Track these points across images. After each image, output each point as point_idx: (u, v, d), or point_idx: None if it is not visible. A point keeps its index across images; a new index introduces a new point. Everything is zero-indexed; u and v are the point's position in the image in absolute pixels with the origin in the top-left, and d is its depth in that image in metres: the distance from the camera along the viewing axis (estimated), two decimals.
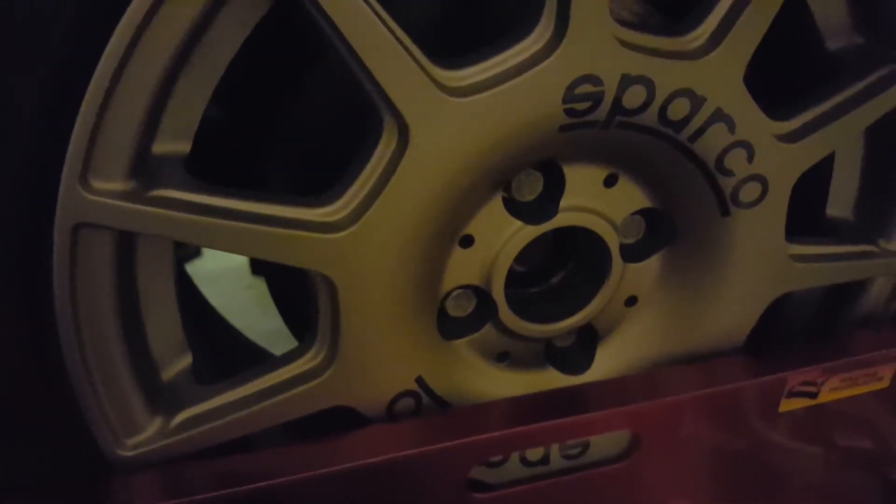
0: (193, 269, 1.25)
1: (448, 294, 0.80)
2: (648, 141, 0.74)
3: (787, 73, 0.86)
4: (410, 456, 0.74)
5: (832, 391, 0.87)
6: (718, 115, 0.74)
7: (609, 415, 0.80)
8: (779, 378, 0.84)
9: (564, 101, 0.69)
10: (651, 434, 0.83)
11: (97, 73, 0.60)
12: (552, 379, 0.87)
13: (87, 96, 0.60)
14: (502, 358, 0.86)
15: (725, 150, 0.76)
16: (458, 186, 0.71)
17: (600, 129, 0.72)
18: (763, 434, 0.88)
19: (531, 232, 0.78)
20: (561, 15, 0.66)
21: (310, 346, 0.76)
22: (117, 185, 0.64)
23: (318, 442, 0.76)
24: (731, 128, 0.75)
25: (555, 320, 0.83)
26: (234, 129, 0.94)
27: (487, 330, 0.83)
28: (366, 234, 0.69)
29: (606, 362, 0.88)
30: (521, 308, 0.82)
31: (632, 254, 0.83)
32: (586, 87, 0.69)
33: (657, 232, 0.84)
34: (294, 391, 0.75)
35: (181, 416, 0.74)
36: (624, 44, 0.69)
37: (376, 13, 0.62)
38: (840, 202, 0.91)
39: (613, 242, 0.81)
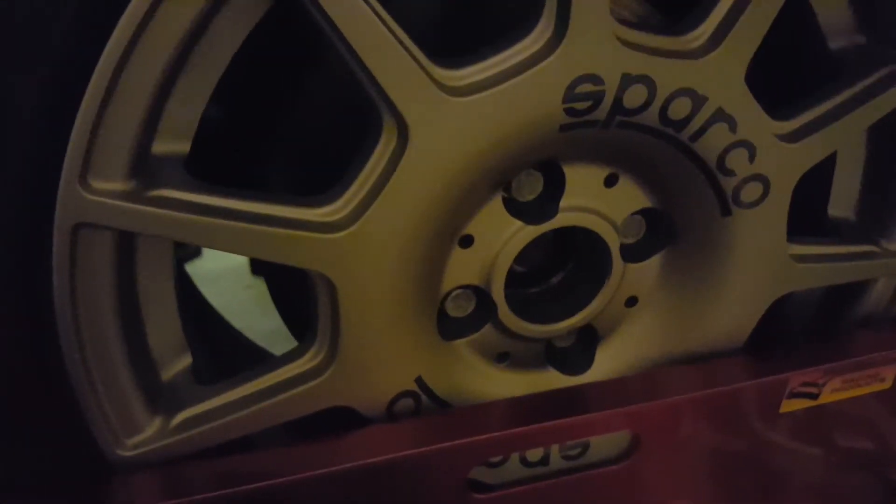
0: (193, 269, 1.25)
1: (448, 294, 0.80)
2: (649, 141, 0.74)
3: (789, 73, 0.86)
4: (410, 456, 0.74)
5: (833, 392, 0.87)
6: (720, 115, 0.74)
7: (609, 415, 0.80)
8: (780, 379, 0.84)
9: (565, 101, 0.69)
10: (651, 435, 0.83)
11: (97, 72, 0.60)
12: (552, 379, 0.87)
13: (87, 96, 0.60)
14: (502, 358, 0.86)
15: (726, 150, 0.76)
16: (457, 186, 0.71)
17: (601, 128, 0.72)
18: (764, 435, 0.88)
19: (531, 232, 0.78)
20: (561, 14, 0.66)
21: (309, 346, 0.76)
22: (117, 185, 0.64)
23: (318, 442, 0.76)
24: (733, 127, 0.75)
25: (555, 321, 0.83)
26: (234, 129, 0.93)
27: (487, 330, 0.82)
28: (365, 234, 0.69)
29: (607, 363, 0.88)
30: (521, 308, 0.81)
31: (632, 254, 0.83)
32: (587, 87, 0.69)
33: (657, 232, 0.84)
34: (294, 391, 0.75)
35: (181, 416, 0.74)
36: (625, 43, 0.68)
37: (376, 13, 0.62)
38: (841, 202, 0.91)
39: (614, 242, 0.81)
